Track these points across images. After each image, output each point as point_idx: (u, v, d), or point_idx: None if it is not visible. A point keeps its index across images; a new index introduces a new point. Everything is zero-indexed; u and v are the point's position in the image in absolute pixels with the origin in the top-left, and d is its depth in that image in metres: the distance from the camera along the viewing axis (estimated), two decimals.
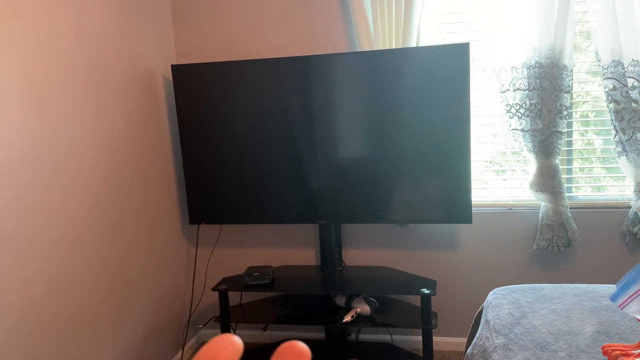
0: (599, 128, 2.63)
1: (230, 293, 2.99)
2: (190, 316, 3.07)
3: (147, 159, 2.61)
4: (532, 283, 2.70)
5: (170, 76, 2.87)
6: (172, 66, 2.67)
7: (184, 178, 2.78)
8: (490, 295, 1.97)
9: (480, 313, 2.02)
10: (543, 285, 1.99)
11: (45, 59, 1.94)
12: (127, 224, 2.44)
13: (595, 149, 2.66)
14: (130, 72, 2.49)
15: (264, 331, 3.06)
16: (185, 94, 2.69)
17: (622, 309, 1.15)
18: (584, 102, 2.63)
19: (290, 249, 2.99)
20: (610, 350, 1.22)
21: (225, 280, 2.75)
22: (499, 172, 2.78)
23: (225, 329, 2.67)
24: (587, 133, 2.66)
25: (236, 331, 3.10)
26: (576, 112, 2.64)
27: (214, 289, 2.64)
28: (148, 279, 2.62)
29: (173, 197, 2.87)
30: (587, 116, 2.64)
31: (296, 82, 2.56)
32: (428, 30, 2.66)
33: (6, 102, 1.76)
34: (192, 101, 2.68)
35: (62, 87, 2.02)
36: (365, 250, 2.89)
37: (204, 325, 3.13)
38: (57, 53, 2.00)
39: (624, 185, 2.65)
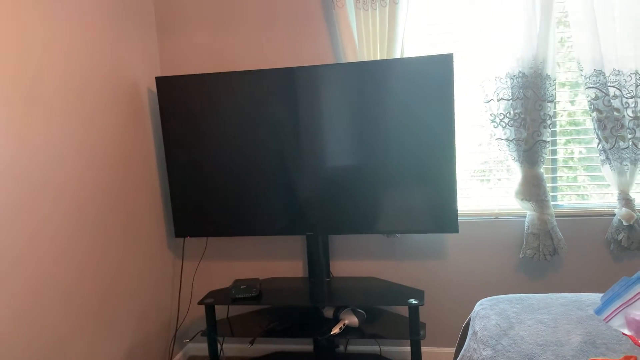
0: (582, 137, 2.65)
1: (217, 306, 2.96)
2: (176, 330, 3.03)
3: (132, 172, 2.59)
4: (519, 292, 2.71)
5: (154, 88, 2.85)
6: (157, 78, 2.65)
7: (169, 191, 2.75)
8: (478, 306, 1.97)
9: (467, 324, 2.02)
10: (530, 295, 1.99)
11: (31, 72, 1.92)
12: (112, 237, 2.41)
13: (578, 157, 2.68)
14: (115, 84, 2.47)
15: (252, 345, 3.03)
16: (170, 106, 2.67)
17: (606, 322, 1.15)
18: (564, 111, 2.66)
19: (278, 261, 2.97)
20: None
21: (211, 294, 2.73)
22: (485, 182, 2.80)
23: (212, 343, 2.65)
24: (570, 142, 2.68)
25: (223, 345, 3.07)
26: (560, 121, 2.66)
27: (200, 302, 2.62)
28: (133, 293, 2.59)
29: (158, 210, 2.85)
30: (572, 124, 2.66)
31: (281, 93, 2.56)
32: (412, 41, 2.67)
33: None
34: (177, 113, 2.67)
35: (48, 100, 2.00)
36: (353, 261, 2.89)
37: (190, 340, 3.09)
38: (43, 66, 1.97)
39: (607, 193, 2.67)
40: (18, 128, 1.86)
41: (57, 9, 2.09)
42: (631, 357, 1.18)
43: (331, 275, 2.88)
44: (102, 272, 2.33)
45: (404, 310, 2.79)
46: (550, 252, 2.56)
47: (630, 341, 1.26)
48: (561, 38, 2.60)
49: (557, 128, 2.66)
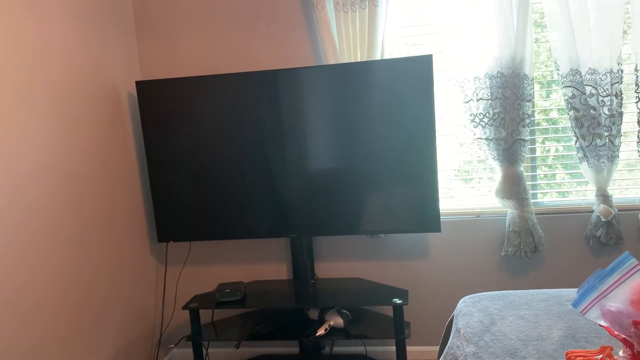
0: (560, 135, 2.69)
1: (201, 311, 2.95)
2: (161, 336, 3.01)
3: (112, 177, 2.57)
4: (501, 289, 2.74)
5: (135, 92, 2.83)
6: (137, 82, 2.63)
7: (151, 195, 2.74)
8: (460, 304, 1.99)
9: (451, 321, 2.04)
10: (511, 291, 2.02)
11: (5, 78, 1.89)
12: (92, 244, 2.39)
13: (556, 155, 2.73)
14: (94, 89, 2.45)
15: (237, 348, 3.02)
16: (150, 110, 2.66)
17: (583, 315, 1.18)
18: (542, 110, 2.70)
19: (262, 264, 2.97)
20: (573, 357, 1.25)
21: (196, 298, 2.71)
22: (466, 181, 2.82)
23: (197, 348, 2.63)
24: (548, 140, 2.72)
25: (208, 349, 3.06)
26: (538, 119, 2.70)
27: (184, 307, 2.60)
28: (116, 300, 2.57)
29: (140, 215, 2.83)
30: (550, 123, 2.70)
31: (263, 95, 2.56)
32: (392, 42, 2.69)
33: None
34: (158, 117, 2.65)
35: (23, 107, 1.98)
36: (337, 262, 2.89)
37: (175, 345, 3.07)
38: (16, 71, 1.95)
39: (586, 190, 2.71)
40: None
41: (34, 12, 2.07)
42: (607, 347, 1.21)
43: (316, 277, 2.88)
44: (83, 279, 2.31)
45: (388, 310, 2.81)
46: (531, 250, 2.60)
47: (607, 332, 1.28)
48: (536, 39, 2.64)
49: (535, 127, 2.70)
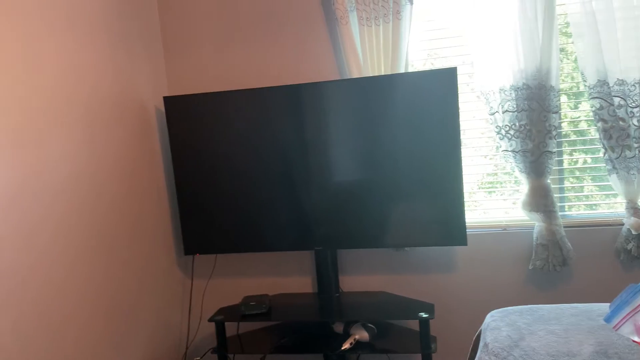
0: (588, 146, 2.65)
1: (227, 323, 2.97)
2: (187, 348, 3.03)
3: (140, 192, 2.61)
4: (529, 303, 2.70)
5: (162, 107, 2.89)
6: (164, 98, 2.69)
7: (178, 209, 2.78)
8: (488, 318, 1.96)
9: (478, 336, 2.01)
10: (540, 306, 1.98)
11: (42, 93, 1.95)
12: (120, 257, 2.43)
13: (584, 167, 2.69)
14: (123, 105, 2.51)
15: None
16: (177, 125, 2.70)
17: (616, 330, 1.15)
18: (569, 121, 2.66)
19: (287, 277, 2.98)
20: None
21: (221, 311, 2.73)
22: (492, 193, 2.80)
23: None
24: (576, 151, 2.69)
25: None
26: (566, 131, 2.67)
27: (210, 319, 2.62)
28: (143, 312, 2.60)
29: (167, 228, 2.87)
30: (578, 134, 2.66)
31: (288, 110, 2.59)
32: (416, 55, 2.70)
33: (3, 138, 1.76)
34: (185, 132, 2.70)
35: (54, 123, 2.04)
36: (362, 275, 2.88)
37: (201, 357, 3.09)
38: (53, 87, 2.01)
39: (616, 203, 2.66)
40: (28, 149, 1.89)
41: (65, 29, 2.13)
42: None
43: (340, 290, 2.88)
44: (110, 292, 2.35)
45: (414, 324, 2.78)
46: (560, 263, 2.55)
47: None
48: (563, 48, 2.62)
49: (563, 139, 2.67)
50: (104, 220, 2.31)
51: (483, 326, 1.95)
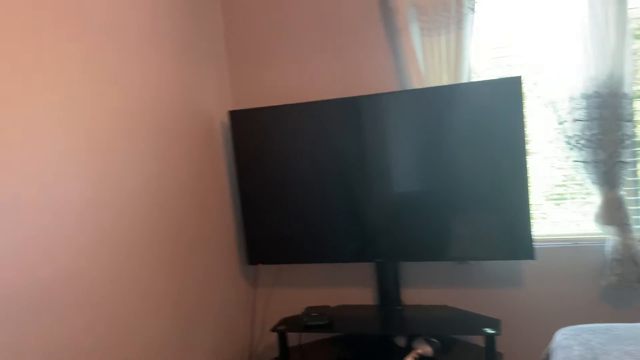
0: None
1: (289, 334, 2.99)
2: (249, 358, 3.08)
3: (205, 202, 2.69)
4: (602, 322, 2.56)
5: (227, 120, 2.97)
6: (230, 112, 2.77)
7: (242, 219, 2.84)
8: (559, 336, 1.89)
9: (547, 354, 1.93)
10: (615, 324, 1.89)
11: (110, 109, 2.06)
12: (185, 266, 2.50)
13: None
14: (189, 118, 2.60)
15: None
16: (242, 138, 2.77)
17: None
18: None
19: (347, 288, 2.97)
20: None
21: (284, 321, 2.76)
22: (562, 205, 2.69)
23: None
24: None
25: None
26: None
27: (272, 329, 2.65)
28: (207, 322, 2.67)
29: (231, 238, 2.94)
30: None
31: (349, 121, 2.60)
32: (480, 64, 2.65)
33: (71, 151, 1.87)
34: (249, 144, 2.77)
35: (124, 135, 2.14)
36: (424, 288, 2.84)
37: None
38: (121, 103, 2.12)
39: None
40: (100, 160, 2.00)
41: (131, 45, 2.24)
42: None
43: (402, 303, 2.84)
44: (174, 301, 2.43)
45: (479, 340, 2.71)
46: (636, 279, 2.42)
47: None
48: (637, 52, 2.50)
49: (638, 148, 2.53)
50: (170, 229, 2.40)
51: (553, 344, 1.88)
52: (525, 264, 2.67)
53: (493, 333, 2.31)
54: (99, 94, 2.00)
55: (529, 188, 2.39)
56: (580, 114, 2.42)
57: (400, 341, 2.62)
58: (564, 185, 2.67)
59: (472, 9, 2.51)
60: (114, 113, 2.07)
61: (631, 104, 2.37)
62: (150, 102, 2.30)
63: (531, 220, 2.40)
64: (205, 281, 2.65)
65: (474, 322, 2.48)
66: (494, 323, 2.43)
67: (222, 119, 2.92)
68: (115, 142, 2.07)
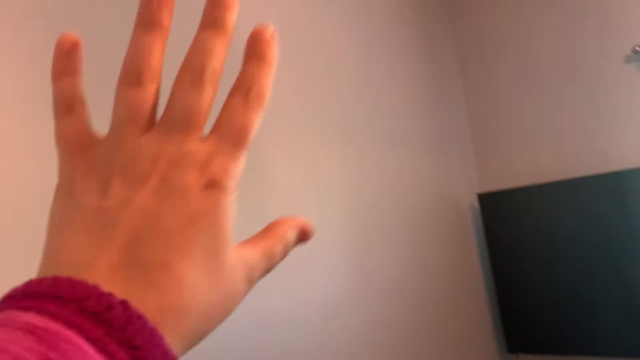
0: None
1: None
2: None
3: (459, 290, 2.67)
4: None
5: (475, 204, 2.96)
6: (478, 195, 2.76)
7: (498, 306, 2.73)
8: None
9: None
10: None
11: (368, 199, 2.22)
12: (440, 353, 2.47)
13: None
14: (439, 204, 2.66)
15: None
16: (493, 221, 2.72)
17: None
18: None
19: None
20: None
21: None
22: None
23: None
24: None
25: None
26: None
27: None
28: None
29: (486, 326, 2.83)
30: None
31: (615, 199, 2.37)
32: None
33: (335, 247, 2.04)
34: (501, 228, 2.70)
35: (382, 224, 2.26)
36: None
37: None
38: (378, 192, 2.27)
39: None
40: (356, 256, 2.12)
41: (388, 144, 2.42)
42: None
43: None
44: None
45: None
46: None
47: None
48: None
49: None
50: (428, 317, 2.42)
51: None
52: None
53: None
54: (355, 189, 2.17)
55: None
56: None
57: None
58: None
59: None
60: (368, 203, 2.22)
61: None
62: (402, 189, 2.42)
63: None
64: None
65: None
66: None
67: (470, 202, 2.92)
68: (371, 234, 2.20)
